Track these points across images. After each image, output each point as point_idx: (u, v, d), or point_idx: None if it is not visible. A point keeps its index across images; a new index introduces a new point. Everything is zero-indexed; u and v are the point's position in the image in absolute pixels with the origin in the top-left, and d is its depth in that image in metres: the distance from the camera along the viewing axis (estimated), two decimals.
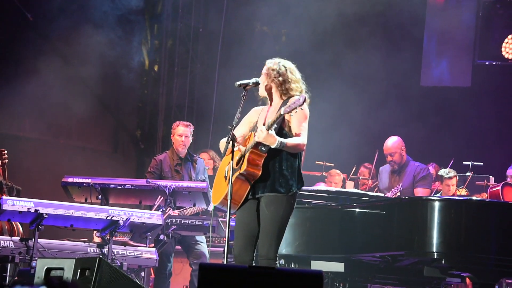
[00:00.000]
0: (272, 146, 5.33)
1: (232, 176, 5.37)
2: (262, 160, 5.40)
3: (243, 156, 5.44)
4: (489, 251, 5.66)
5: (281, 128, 5.46)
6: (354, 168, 10.55)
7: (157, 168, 8.38)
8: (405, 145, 8.78)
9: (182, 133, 8.35)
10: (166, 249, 7.99)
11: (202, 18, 12.69)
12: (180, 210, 8.17)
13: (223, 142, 5.68)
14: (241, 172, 5.37)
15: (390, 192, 8.41)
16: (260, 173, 5.40)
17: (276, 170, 5.43)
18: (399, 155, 8.57)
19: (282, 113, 5.28)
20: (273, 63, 5.65)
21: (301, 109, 5.28)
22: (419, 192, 8.28)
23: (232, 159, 5.38)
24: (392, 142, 8.63)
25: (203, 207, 8.09)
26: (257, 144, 5.37)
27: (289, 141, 5.38)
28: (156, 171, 8.35)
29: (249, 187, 5.44)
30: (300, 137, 5.44)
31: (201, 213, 8.52)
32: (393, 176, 8.60)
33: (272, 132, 5.31)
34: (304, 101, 5.22)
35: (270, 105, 5.66)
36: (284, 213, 5.43)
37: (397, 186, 8.39)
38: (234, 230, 5.53)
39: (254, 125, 5.69)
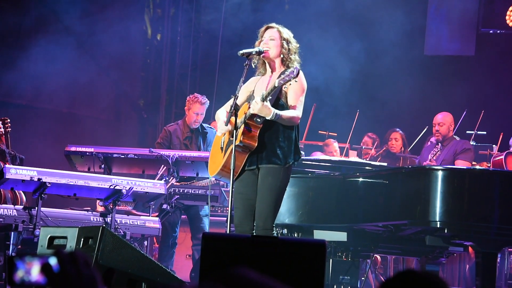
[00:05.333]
0: (267, 118, 5.31)
1: (229, 148, 5.39)
2: (258, 132, 5.40)
3: (238, 127, 5.43)
4: (492, 220, 5.66)
5: (278, 98, 5.44)
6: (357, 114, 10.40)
7: (166, 139, 8.37)
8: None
9: (198, 111, 8.31)
10: (171, 219, 8.01)
11: None
12: (188, 183, 8.14)
13: (219, 113, 5.68)
14: (237, 143, 5.37)
15: (426, 162, 8.40)
16: (256, 144, 5.39)
17: (273, 142, 5.43)
18: (447, 128, 8.53)
19: (276, 85, 5.25)
20: (284, 32, 5.61)
21: (295, 81, 5.24)
22: (459, 163, 8.21)
23: (235, 129, 5.38)
24: (444, 114, 8.62)
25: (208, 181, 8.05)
26: (252, 116, 5.36)
27: (284, 113, 5.36)
28: (166, 142, 8.34)
29: (245, 158, 5.44)
30: (295, 110, 5.42)
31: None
32: (436, 148, 8.55)
33: (267, 103, 5.28)
34: (298, 73, 5.19)
35: (271, 74, 5.63)
36: (281, 184, 5.44)
37: (432, 152, 8.37)
38: (234, 200, 5.55)
39: (251, 95, 5.67)
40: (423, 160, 8.65)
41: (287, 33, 5.61)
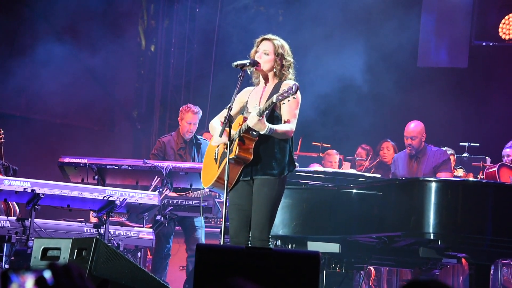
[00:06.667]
0: (261, 132, 5.33)
1: (224, 159, 5.40)
2: (253, 144, 5.41)
3: (233, 140, 5.44)
4: (485, 232, 5.66)
5: (273, 110, 5.46)
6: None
7: (161, 151, 8.37)
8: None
9: (191, 121, 8.33)
10: (165, 230, 8.00)
11: None
12: (181, 194, 8.14)
13: (213, 123, 5.69)
14: (232, 156, 5.38)
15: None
16: (251, 157, 5.41)
17: (268, 154, 5.44)
18: (419, 140, 8.48)
19: (274, 101, 5.25)
20: (280, 44, 5.60)
21: (294, 98, 5.26)
22: (442, 176, 8.20)
23: (229, 141, 5.39)
24: (416, 126, 8.53)
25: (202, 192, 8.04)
26: (248, 129, 5.37)
27: (279, 127, 5.38)
28: (160, 154, 8.34)
29: (240, 169, 5.46)
30: (289, 124, 5.44)
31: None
32: (411, 162, 8.53)
33: (263, 118, 5.30)
34: (297, 90, 5.21)
35: (265, 86, 5.64)
36: (276, 195, 5.46)
37: (409, 167, 8.37)
38: (229, 212, 5.55)
39: (244, 106, 5.67)
40: (401, 173, 8.58)
41: (282, 47, 5.60)
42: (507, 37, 11.43)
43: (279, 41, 5.62)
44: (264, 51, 5.58)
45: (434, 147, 8.64)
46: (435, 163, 8.35)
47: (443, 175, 8.19)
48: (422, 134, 8.52)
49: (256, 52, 5.62)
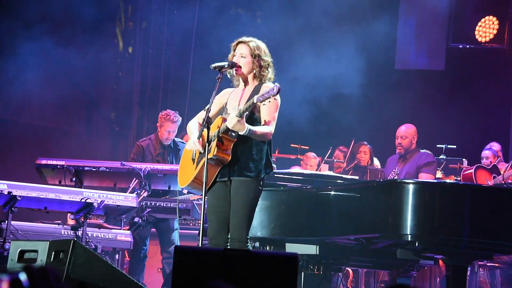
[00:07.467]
0: (241, 133, 5.33)
1: (202, 160, 5.40)
2: (232, 145, 5.42)
3: (211, 140, 5.44)
4: (462, 234, 5.70)
5: (252, 112, 5.46)
6: (330, 151, 10.56)
7: (139, 155, 8.36)
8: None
9: (170, 129, 8.33)
10: (141, 232, 7.98)
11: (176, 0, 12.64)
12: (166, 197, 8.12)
13: (191, 125, 5.69)
14: (210, 156, 5.37)
15: (390, 175, 8.44)
16: (229, 158, 5.42)
17: (245, 155, 5.45)
18: (409, 141, 8.52)
19: (254, 101, 5.26)
20: (256, 46, 5.60)
21: (275, 99, 5.27)
22: (423, 176, 8.24)
23: (208, 143, 5.39)
24: (407, 127, 8.61)
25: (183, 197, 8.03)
26: (227, 130, 5.37)
27: (258, 129, 5.39)
28: (139, 158, 8.33)
29: (218, 170, 5.46)
30: (268, 126, 5.45)
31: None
32: (399, 162, 8.58)
33: (243, 119, 5.30)
34: (278, 91, 5.22)
35: (244, 87, 5.64)
36: (253, 196, 5.47)
37: (394, 169, 8.42)
38: (207, 213, 5.55)
39: (223, 107, 5.67)
40: (387, 173, 8.68)
41: (258, 48, 5.59)
42: (483, 40, 11.50)
43: (255, 42, 5.62)
44: (240, 55, 5.58)
45: (424, 152, 8.71)
46: (420, 163, 8.39)
47: (424, 176, 8.23)
48: (412, 135, 8.57)
49: (233, 56, 5.63)
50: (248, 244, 5.46)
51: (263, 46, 5.64)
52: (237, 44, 5.64)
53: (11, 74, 10.22)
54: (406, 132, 8.56)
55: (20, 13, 10.58)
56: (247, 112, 5.34)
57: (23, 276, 1.95)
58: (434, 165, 8.56)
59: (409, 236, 5.69)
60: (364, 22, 11.13)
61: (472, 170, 8.64)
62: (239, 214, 5.43)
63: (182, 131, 9.21)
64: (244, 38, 5.64)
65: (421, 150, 8.66)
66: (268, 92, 5.21)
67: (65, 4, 10.84)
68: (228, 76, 5.69)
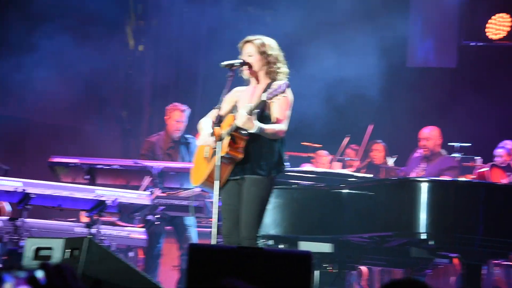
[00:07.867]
0: (250, 131, 5.33)
1: (214, 158, 5.39)
2: (244, 143, 5.41)
3: (223, 138, 5.43)
4: (476, 232, 5.68)
5: (263, 110, 5.46)
6: (348, 139, 10.35)
7: (149, 151, 8.34)
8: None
9: (179, 119, 8.29)
10: (155, 230, 7.97)
11: None
12: (172, 192, 8.12)
13: (202, 123, 5.68)
14: (222, 155, 5.37)
15: (414, 173, 8.43)
16: (242, 156, 5.42)
17: (257, 153, 5.45)
18: (433, 143, 8.52)
19: (263, 99, 5.26)
20: (261, 43, 5.60)
21: (284, 96, 5.26)
22: None
23: (220, 140, 5.38)
24: (431, 129, 8.61)
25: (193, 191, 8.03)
26: (238, 128, 5.37)
27: (268, 127, 5.38)
28: (149, 154, 8.31)
29: (231, 169, 5.46)
30: (280, 124, 5.44)
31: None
32: (422, 162, 8.56)
33: (253, 117, 5.30)
34: (286, 87, 5.21)
35: (256, 85, 5.63)
36: (265, 194, 5.47)
37: (419, 166, 8.41)
38: (221, 211, 5.56)
39: (235, 105, 5.67)
40: (409, 170, 8.66)
41: (263, 45, 5.58)
42: (494, 37, 11.46)
43: (260, 40, 5.61)
44: (248, 54, 5.59)
45: (447, 155, 8.70)
46: (443, 166, 8.37)
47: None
48: (436, 137, 8.57)
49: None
50: (258, 242, 5.47)
51: (268, 42, 5.62)
52: (243, 44, 5.65)
53: (24, 74, 10.24)
54: (430, 134, 8.57)
55: (29, 10, 10.59)
56: (257, 110, 5.34)
57: (40, 274, 1.96)
58: (457, 171, 8.54)
59: (423, 234, 5.68)
60: (377, 20, 11.08)
61: (487, 169, 8.60)
62: (249, 212, 5.44)
63: (193, 129, 9.21)
64: (249, 37, 5.64)
65: (444, 153, 8.66)
66: (276, 89, 5.21)
67: (78, 3, 10.85)
68: (239, 74, 5.69)
